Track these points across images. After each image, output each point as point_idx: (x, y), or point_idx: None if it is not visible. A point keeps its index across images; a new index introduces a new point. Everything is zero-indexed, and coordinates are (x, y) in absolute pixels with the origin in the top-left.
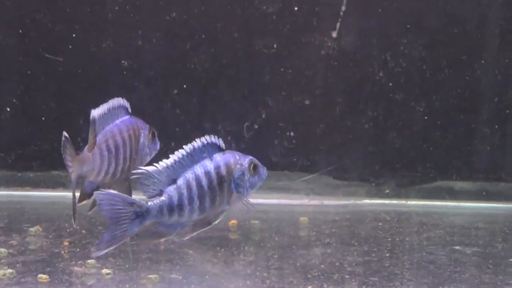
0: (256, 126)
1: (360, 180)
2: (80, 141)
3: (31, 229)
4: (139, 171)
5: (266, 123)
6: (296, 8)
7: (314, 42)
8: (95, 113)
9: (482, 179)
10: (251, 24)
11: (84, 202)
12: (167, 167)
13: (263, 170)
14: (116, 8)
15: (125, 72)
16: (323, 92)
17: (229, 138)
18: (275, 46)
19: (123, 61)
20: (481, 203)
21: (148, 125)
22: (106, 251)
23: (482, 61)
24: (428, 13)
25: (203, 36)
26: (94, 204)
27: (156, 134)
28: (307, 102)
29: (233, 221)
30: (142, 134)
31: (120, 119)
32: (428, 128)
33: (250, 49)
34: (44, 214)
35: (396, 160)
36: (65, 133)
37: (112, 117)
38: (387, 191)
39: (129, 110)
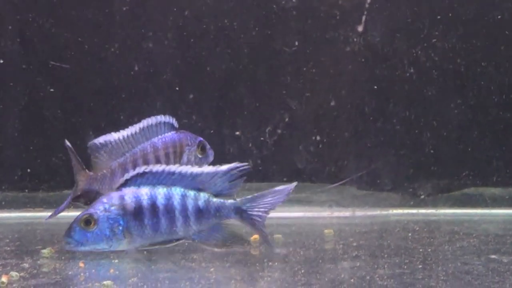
0: (279, 131)
1: (387, 190)
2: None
3: (44, 250)
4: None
5: (289, 128)
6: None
7: (339, 38)
8: (109, 137)
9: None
10: (269, 21)
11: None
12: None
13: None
14: (124, 9)
15: (136, 78)
16: (349, 92)
17: (250, 144)
18: (296, 44)
19: (133, 66)
20: None
21: (198, 139)
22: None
23: None
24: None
25: (218, 36)
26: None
27: (207, 147)
28: (332, 104)
29: (255, 236)
30: (187, 151)
31: (159, 137)
32: (465, 128)
33: (269, 48)
34: (57, 235)
35: (430, 164)
36: (67, 142)
37: (150, 134)
38: (422, 196)
39: (175, 125)
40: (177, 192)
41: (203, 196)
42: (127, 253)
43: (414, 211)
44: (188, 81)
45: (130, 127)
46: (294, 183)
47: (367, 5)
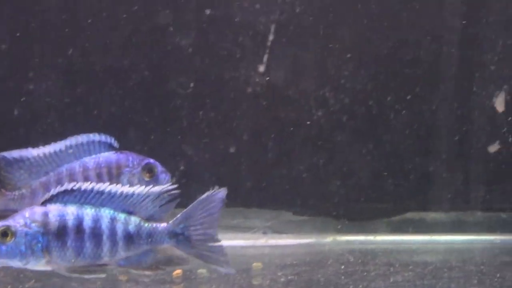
0: (173, 180)
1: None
2: None
3: None
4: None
5: (185, 177)
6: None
7: (239, 78)
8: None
9: None
10: (163, 60)
11: None
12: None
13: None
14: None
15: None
16: (251, 138)
17: None
18: (191, 85)
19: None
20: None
21: (144, 161)
22: None
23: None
24: (371, 38)
25: (108, 75)
26: None
27: (156, 169)
28: (232, 150)
29: (178, 271)
30: (126, 172)
31: (93, 156)
32: (378, 176)
33: (162, 89)
34: None
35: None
36: None
37: (80, 153)
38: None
39: (114, 145)
40: (106, 214)
41: (134, 220)
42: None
43: (351, 238)
44: (75, 126)
45: (53, 143)
46: (224, 189)
47: (269, 43)
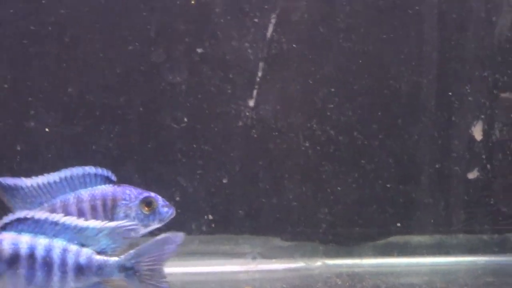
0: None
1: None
2: None
3: None
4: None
5: (180, 207)
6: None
7: (230, 113)
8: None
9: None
10: (157, 97)
11: None
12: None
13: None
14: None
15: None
16: (242, 168)
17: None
18: (185, 119)
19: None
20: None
21: (143, 194)
22: None
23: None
24: (355, 72)
25: (104, 112)
26: None
27: (157, 203)
28: (225, 181)
29: None
30: (123, 205)
31: (88, 189)
32: (363, 203)
33: (157, 124)
34: None
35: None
36: None
37: (75, 185)
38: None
39: (112, 178)
40: (58, 245)
41: (85, 252)
42: None
43: (339, 261)
44: (74, 160)
45: (46, 174)
46: (181, 233)
47: (258, 79)
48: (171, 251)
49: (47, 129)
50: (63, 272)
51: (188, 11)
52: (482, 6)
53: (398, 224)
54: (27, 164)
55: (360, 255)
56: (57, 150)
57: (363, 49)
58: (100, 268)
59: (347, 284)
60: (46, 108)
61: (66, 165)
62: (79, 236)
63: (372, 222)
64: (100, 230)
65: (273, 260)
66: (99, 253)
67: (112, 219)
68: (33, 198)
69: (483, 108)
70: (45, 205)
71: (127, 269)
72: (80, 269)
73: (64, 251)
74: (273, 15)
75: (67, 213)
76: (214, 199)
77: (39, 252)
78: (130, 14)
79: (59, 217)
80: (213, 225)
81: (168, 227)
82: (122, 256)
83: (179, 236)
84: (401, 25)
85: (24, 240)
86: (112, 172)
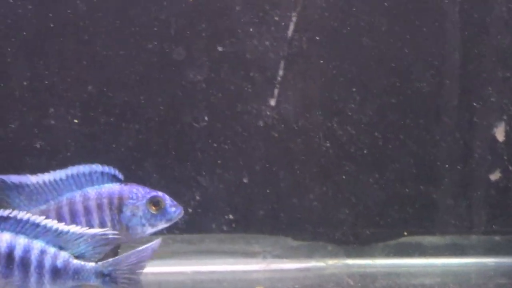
0: (190, 210)
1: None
2: None
3: None
4: None
5: (201, 206)
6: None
7: (251, 112)
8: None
9: None
10: (177, 95)
11: None
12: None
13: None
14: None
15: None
16: (263, 168)
17: None
18: (206, 118)
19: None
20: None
21: (150, 194)
22: None
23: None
24: (376, 72)
25: (125, 110)
26: None
27: (164, 202)
28: (245, 180)
29: None
30: (129, 204)
31: (95, 187)
32: (383, 204)
33: (178, 123)
34: None
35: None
36: None
37: (82, 183)
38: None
39: (119, 177)
40: (37, 246)
41: (63, 255)
42: None
43: (350, 262)
44: (93, 158)
45: (52, 172)
46: (158, 240)
47: (279, 78)
48: (147, 257)
49: (76, 120)
50: (40, 274)
51: (209, 9)
52: (505, 6)
53: (416, 225)
54: (47, 162)
55: (375, 255)
56: (76, 148)
57: (384, 48)
58: (77, 273)
59: (359, 284)
60: (66, 106)
61: (85, 164)
62: (59, 239)
63: (392, 223)
64: (80, 235)
65: (285, 260)
66: (77, 257)
67: (119, 218)
68: (39, 195)
69: (505, 109)
70: (51, 202)
71: (104, 276)
72: (57, 272)
73: (42, 252)
74: (294, 14)
75: (73, 211)
76: (234, 199)
77: (18, 252)
78: (150, 12)
79: (40, 219)
80: (233, 225)
81: (188, 226)
82: (100, 263)
83: (155, 243)
84: (423, 25)
85: (4, 239)
86: (132, 171)
